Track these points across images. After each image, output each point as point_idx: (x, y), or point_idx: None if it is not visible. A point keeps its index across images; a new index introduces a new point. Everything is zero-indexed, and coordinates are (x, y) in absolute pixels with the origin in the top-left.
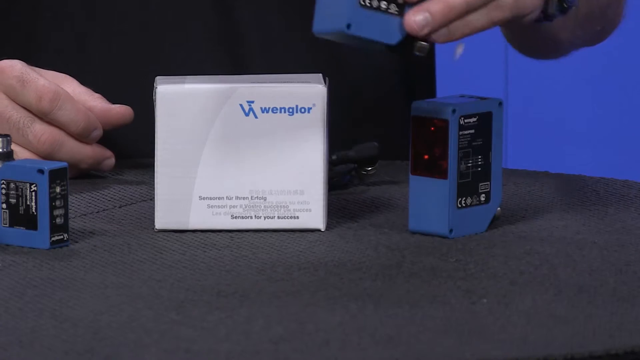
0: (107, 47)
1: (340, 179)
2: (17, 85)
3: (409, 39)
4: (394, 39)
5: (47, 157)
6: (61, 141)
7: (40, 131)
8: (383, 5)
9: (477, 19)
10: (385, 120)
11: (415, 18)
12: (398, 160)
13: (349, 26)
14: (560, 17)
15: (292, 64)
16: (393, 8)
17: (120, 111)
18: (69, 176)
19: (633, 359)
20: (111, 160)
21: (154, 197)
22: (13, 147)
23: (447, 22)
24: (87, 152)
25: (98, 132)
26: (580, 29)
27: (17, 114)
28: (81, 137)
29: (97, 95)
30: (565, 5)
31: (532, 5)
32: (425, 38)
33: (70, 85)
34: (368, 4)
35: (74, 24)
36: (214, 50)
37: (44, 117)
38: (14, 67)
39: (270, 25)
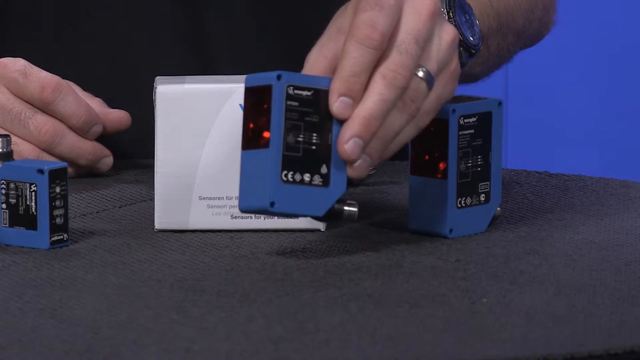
0: (75, 48)
1: None
2: (20, 78)
3: (337, 208)
4: (320, 211)
5: (47, 148)
6: (62, 133)
7: (42, 122)
8: (307, 178)
9: (406, 133)
10: None
11: (346, 147)
12: (398, 160)
13: (272, 204)
14: (471, 61)
15: (261, 64)
16: (317, 179)
17: (118, 116)
18: (68, 175)
19: (633, 358)
20: (109, 159)
21: (153, 197)
22: (13, 138)
23: (373, 133)
24: (87, 148)
25: (98, 128)
26: (495, 57)
27: (19, 106)
28: (81, 131)
29: (97, 99)
30: (473, 52)
31: (450, 87)
32: (351, 203)
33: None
34: (291, 179)
35: (42, 26)
36: (181, 49)
37: (46, 108)
38: (17, 62)
39: (238, 24)
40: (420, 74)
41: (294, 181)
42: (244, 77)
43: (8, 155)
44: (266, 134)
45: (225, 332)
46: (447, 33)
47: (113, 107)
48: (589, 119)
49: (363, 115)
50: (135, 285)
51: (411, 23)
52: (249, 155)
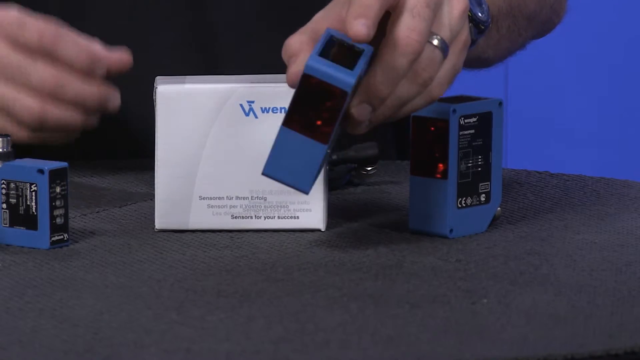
0: None
1: (341, 179)
2: (16, 29)
3: None
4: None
5: (52, 96)
6: (66, 80)
7: (43, 70)
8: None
9: (416, 103)
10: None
11: (353, 111)
12: (398, 160)
13: (307, 190)
14: (481, 39)
15: (267, 65)
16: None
17: (119, 56)
18: (78, 120)
19: (633, 359)
20: (116, 97)
21: (154, 197)
22: (13, 93)
23: (381, 101)
24: (93, 90)
25: (103, 68)
26: (506, 41)
27: (16, 58)
28: (86, 73)
29: (95, 41)
30: (482, 27)
31: (463, 58)
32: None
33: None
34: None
35: None
36: (185, 49)
37: (47, 55)
38: (10, 12)
39: (245, 25)
40: (435, 42)
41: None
42: (244, 77)
43: (8, 155)
44: (326, 129)
45: (225, 332)
46: (457, 1)
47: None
48: (589, 118)
49: (372, 82)
50: (135, 286)
51: None
52: (298, 139)
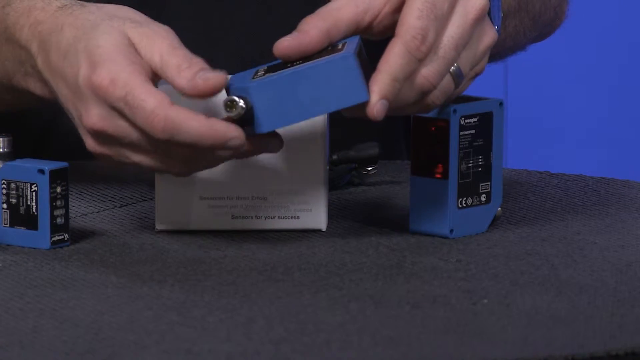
0: None
1: (341, 179)
2: (125, 108)
3: None
4: None
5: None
6: (177, 125)
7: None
8: None
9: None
10: (386, 120)
11: (376, 109)
12: (398, 160)
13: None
14: None
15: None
16: None
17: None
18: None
19: (634, 359)
20: (236, 141)
21: (154, 197)
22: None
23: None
24: (204, 133)
25: (235, 142)
26: (510, 40)
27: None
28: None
29: (196, 60)
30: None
31: (470, 84)
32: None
33: (158, 49)
34: None
35: None
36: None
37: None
38: (116, 83)
39: (247, 32)
40: (452, 69)
41: None
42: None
43: (8, 155)
44: None
45: (226, 333)
46: (487, 36)
47: None
48: (589, 118)
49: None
50: (135, 286)
51: (456, 28)
52: None
